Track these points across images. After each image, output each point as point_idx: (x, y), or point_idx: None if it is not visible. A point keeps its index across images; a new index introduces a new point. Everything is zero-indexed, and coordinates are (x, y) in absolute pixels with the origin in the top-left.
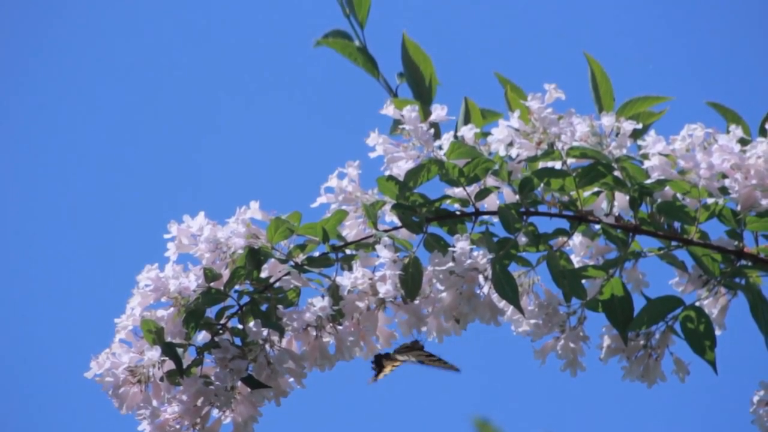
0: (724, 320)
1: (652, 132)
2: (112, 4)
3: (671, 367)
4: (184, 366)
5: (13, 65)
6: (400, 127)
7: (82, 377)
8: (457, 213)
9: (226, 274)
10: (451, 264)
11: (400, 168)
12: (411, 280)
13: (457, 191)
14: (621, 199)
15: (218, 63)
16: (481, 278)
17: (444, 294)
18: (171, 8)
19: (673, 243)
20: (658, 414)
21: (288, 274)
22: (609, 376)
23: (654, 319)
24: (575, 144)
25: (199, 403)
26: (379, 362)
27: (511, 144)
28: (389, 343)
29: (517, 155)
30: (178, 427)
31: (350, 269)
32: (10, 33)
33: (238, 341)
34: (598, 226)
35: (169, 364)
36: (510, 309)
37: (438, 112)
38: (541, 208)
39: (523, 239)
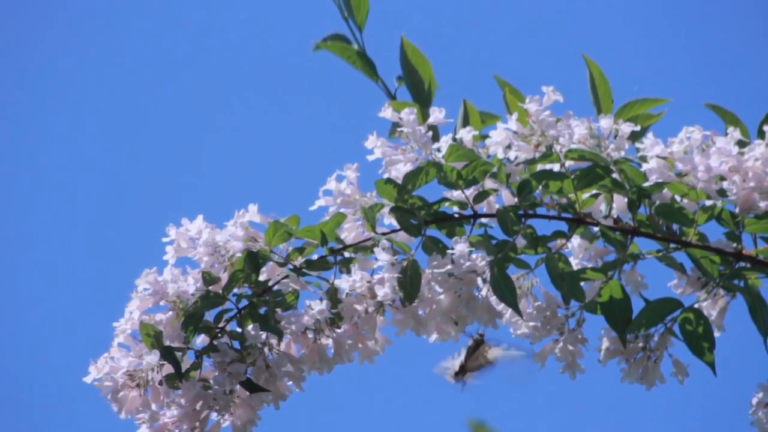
0: (722, 322)
1: (650, 134)
2: (115, 1)
3: (670, 369)
4: (183, 370)
5: (13, 65)
6: (399, 129)
7: (81, 381)
8: (456, 215)
9: (224, 277)
10: (449, 266)
11: (399, 171)
12: (409, 282)
13: (456, 194)
14: (619, 201)
15: (216, 66)
16: (479, 281)
17: (442, 296)
18: (171, 10)
19: (672, 245)
20: (657, 416)
21: (286, 277)
22: (608, 378)
23: (653, 321)
24: (573, 146)
25: (198, 406)
26: (463, 371)
27: (509, 146)
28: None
29: (516, 158)
30: (177, 431)
31: (349, 272)
32: (9, 33)
33: (236, 345)
34: (596, 229)
35: (168, 368)
36: (509, 311)
37: (436, 114)
38: (540, 211)
39: (521, 241)
